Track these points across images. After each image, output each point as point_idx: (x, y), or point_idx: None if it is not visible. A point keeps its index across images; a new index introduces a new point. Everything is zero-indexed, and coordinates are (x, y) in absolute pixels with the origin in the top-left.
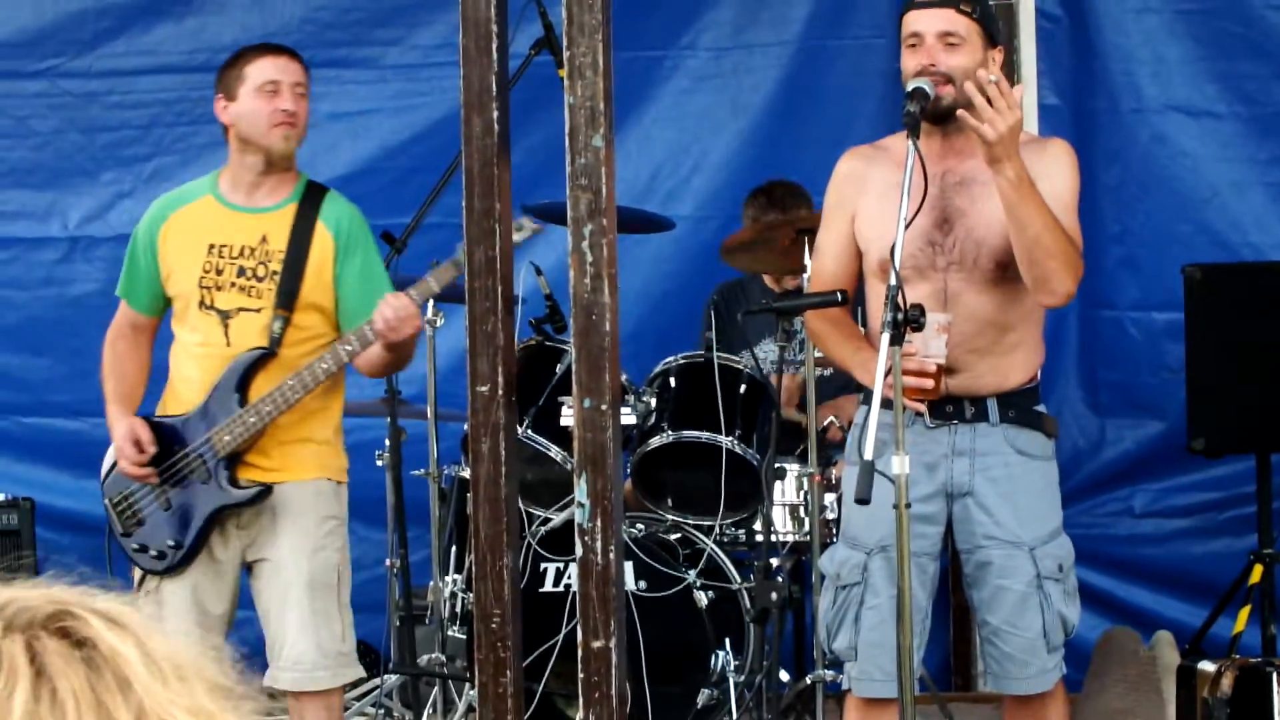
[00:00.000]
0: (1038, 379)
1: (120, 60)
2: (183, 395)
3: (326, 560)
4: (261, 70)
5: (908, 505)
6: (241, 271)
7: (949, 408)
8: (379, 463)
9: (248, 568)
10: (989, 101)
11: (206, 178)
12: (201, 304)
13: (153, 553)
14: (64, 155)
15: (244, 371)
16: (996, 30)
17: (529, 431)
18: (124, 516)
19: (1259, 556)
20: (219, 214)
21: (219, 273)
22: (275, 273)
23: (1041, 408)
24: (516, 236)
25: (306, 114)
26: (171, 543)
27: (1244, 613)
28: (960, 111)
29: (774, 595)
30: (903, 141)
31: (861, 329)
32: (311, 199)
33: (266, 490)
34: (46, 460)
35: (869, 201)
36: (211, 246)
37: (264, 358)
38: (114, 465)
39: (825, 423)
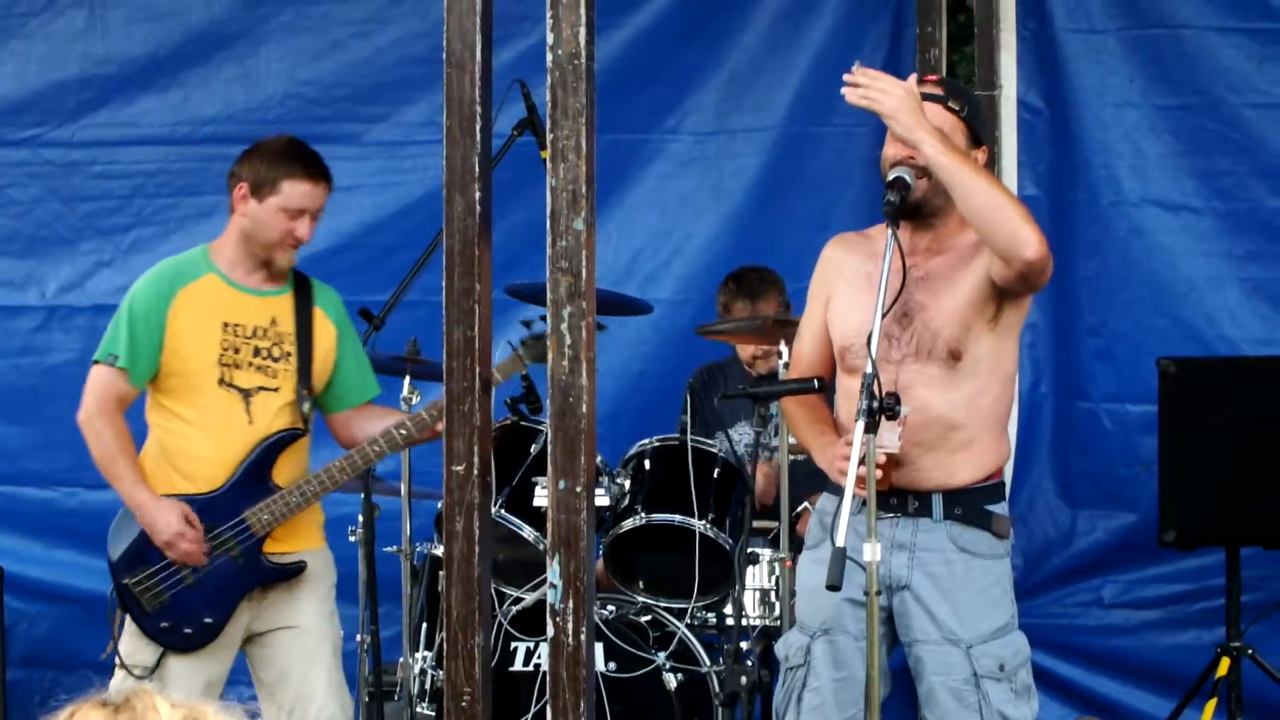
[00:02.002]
0: (999, 478)
1: (103, 131)
2: (190, 472)
3: (338, 626)
4: (298, 195)
5: (879, 593)
6: (257, 351)
7: (893, 500)
8: (352, 538)
9: (249, 639)
10: (866, 87)
11: (197, 254)
12: (221, 381)
13: (185, 631)
14: (44, 224)
15: (276, 451)
16: (982, 129)
17: (502, 511)
18: (148, 596)
19: (1226, 650)
20: (227, 293)
21: (236, 351)
22: (289, 354)
23: (996, 508)
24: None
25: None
26: (209, 620)
27: (1210, 706)
28: (847, 93)
29: (743, 679)
30: (884, 232)
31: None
32: (303, 286)
33: (303, 567)
34: (17, 529)
35: (841, 289)
36: (225, 325)
37: (296, 438)
38: (133, 544)
39: (800, 508)
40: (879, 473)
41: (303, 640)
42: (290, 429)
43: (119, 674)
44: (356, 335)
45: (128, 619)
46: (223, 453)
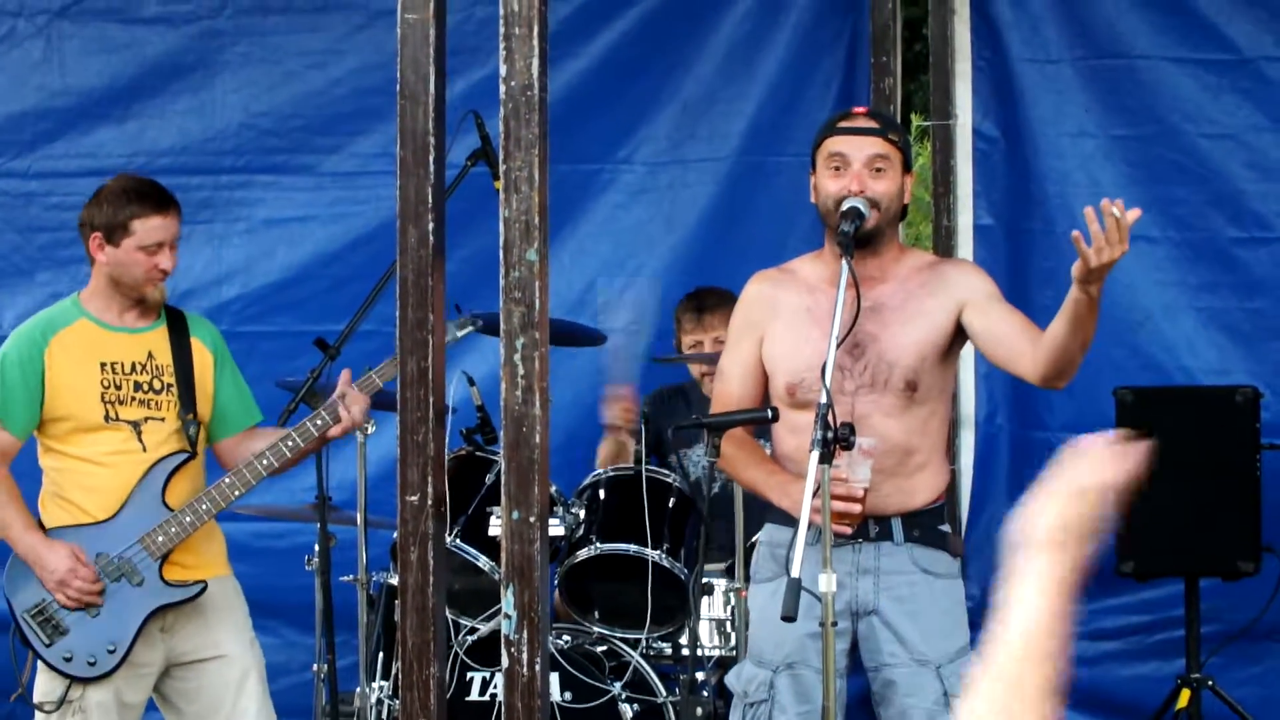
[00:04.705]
0: (943, 499)
1: (59, 162)
2: (85, 504)
3: (260, 651)
4: (149, 232)
5: (834, 624)
6: (138, 386)
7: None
8: (308, 568)
9: (167, 671)
10: (1105, 231)
11: (67, 303)
12: (107, 417)
13: (85, 660)
14: (0, 255)
15: (167, 475)
16: (911, 157)
17: (458, 541)
18: (46, 627)
19: (1186, 681)
20: (100, 334)
21: (118, 388)
22: (170, 385)
23: (946, 527)
24: (459, 333)
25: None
26: (110, 647)
27: None
28: (1075, 233)
29: (699, 709)
30: (810, 265)
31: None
32: (175, 320)
33: (204, 588)
34: None
35: (778, 325)
36: (104, 365)
37: (184, 460)
38: (30, 580)
39: (754, 539)
40: (857, 507)
41: (228, 668)
42: (179, 452)
43: (38, 715)
44: (234, 364)
45: (38, 663)
46: (120, 481)
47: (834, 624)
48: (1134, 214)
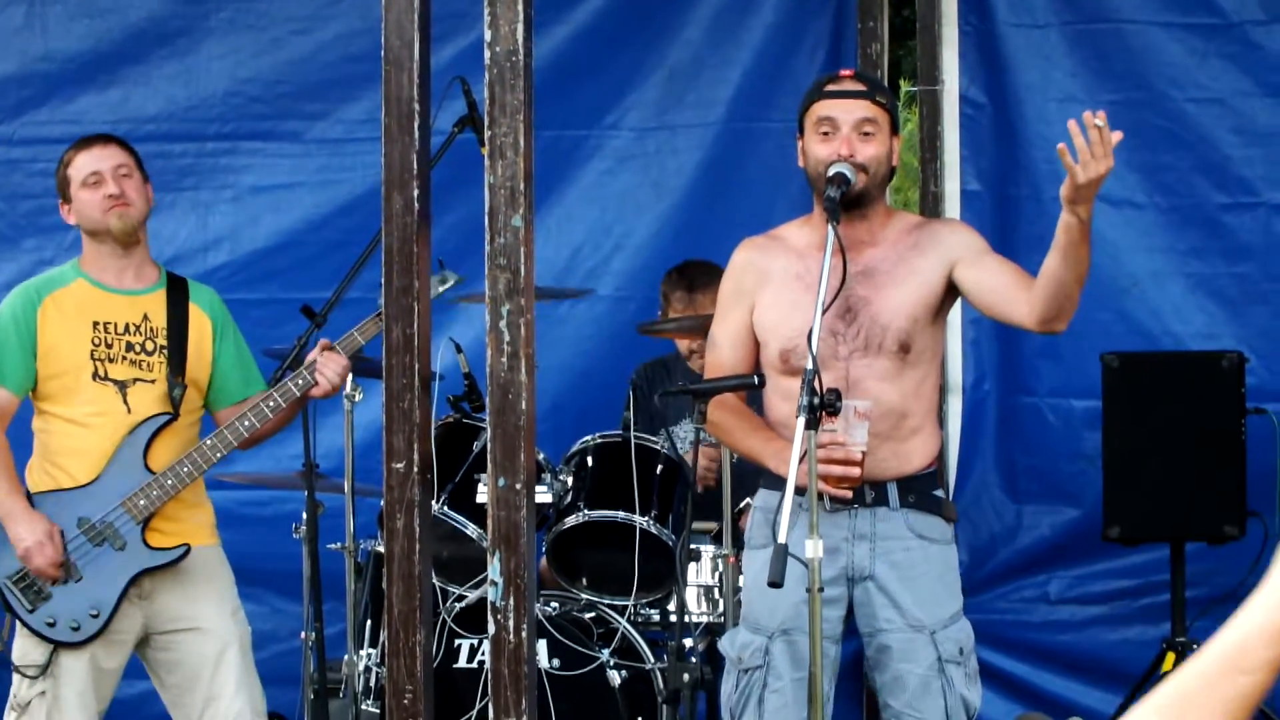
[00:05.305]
0: (936, 464)
1: (43, 128)
2: (69, 467)
3: (244, 622)
4: (81, 167)
5: (820, 590)
6: (130, 347)
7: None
8: (296, 535)
9: (147, 640)
10: (1089, 144)
11: (66, 266)
12: (95, 375)
13: (68, 624)
14: None
15: (148, 437)
16: (899, 119)
17: (445, 508)
18: (28, 593)
19: (1172, 645)
20: (96, 295)
21: (109, 346)
22: (163, 347)
23: (940, 492)
24: (440, 288)
25: (139, 189)
26: (93, 611)
27: None
28: (1060, 146)
29: (686, 676)
30: (798, 230)
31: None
32: (176, 285)
33: (187, 550)
34: None
35: (769, 292)
36: (96, 324)
37: (167, 422)
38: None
39: (743, 505)
40: (856, 470)
41: (206, 641)
42: (159, 414)
43: (15, 678)
44: (238, 333)
45: (16, 622)
46: (103, 444)
47: (820, 590)
48: (1116, 136)
